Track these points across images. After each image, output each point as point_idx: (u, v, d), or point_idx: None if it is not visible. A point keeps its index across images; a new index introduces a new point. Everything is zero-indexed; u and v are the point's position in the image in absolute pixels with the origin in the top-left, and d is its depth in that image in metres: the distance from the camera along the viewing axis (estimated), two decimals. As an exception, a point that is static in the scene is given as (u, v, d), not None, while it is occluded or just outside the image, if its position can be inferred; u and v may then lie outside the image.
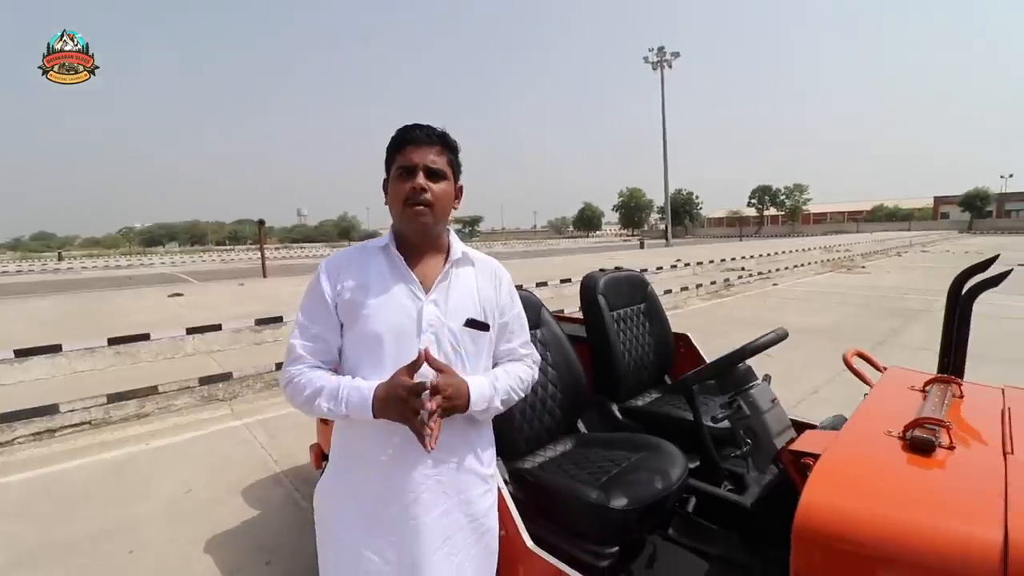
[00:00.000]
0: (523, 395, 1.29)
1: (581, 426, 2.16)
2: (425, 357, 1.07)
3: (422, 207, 1.15)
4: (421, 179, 1.15)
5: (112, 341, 5.02)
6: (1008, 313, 7.88)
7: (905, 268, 16.11)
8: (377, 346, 1.13)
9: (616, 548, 1.46)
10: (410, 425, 1.06)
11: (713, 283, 11.58)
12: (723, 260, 16.00)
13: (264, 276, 14.28)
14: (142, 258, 40.62)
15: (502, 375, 1.24)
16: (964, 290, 1.89)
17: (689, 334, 2.76)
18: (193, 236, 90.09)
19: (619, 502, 1.49)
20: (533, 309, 2.12)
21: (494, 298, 1.27)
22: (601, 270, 2.55)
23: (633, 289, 2.61)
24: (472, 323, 1.20)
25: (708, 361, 2.79)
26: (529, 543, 1.41)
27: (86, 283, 18.94)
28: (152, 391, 4.41)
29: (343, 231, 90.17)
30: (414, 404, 1.04)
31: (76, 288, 15.76)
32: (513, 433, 1.83)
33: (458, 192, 1.26)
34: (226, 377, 4.81)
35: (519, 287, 1.56)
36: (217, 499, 3.03)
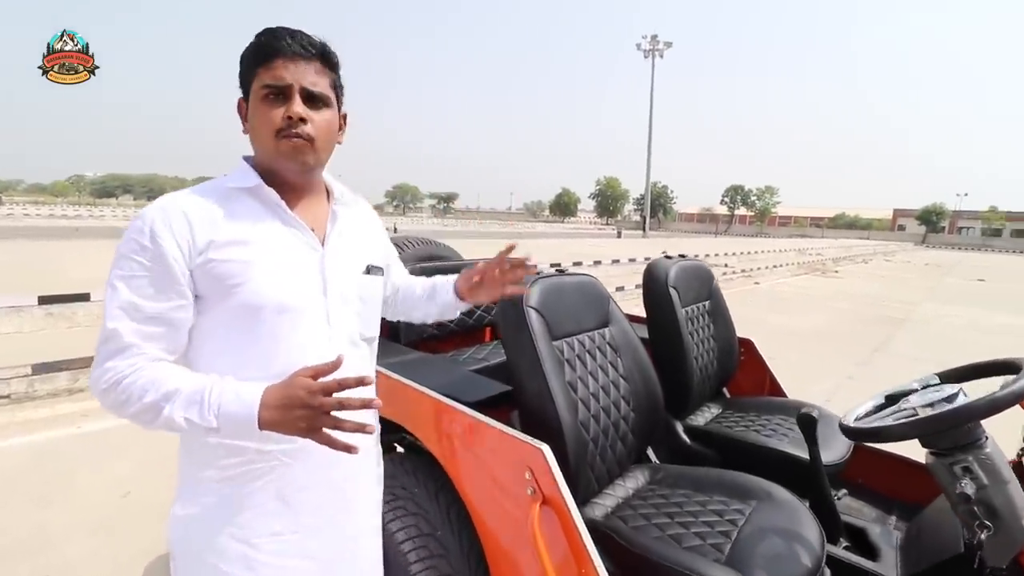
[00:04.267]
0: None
1: (650, 452, 1.71)
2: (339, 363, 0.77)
3: (302, 140, 0.88)
4: (299, 106, 0.87)
5: (43, 300, 4.27)
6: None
7: (874, 276, 16.46)
8: (267, 322, 0.86)
9: None
10: (318, 439, 0.77)
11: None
12: (707, 256, 15.89)
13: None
14: (92, 209, 37.87)
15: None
16: None
17: (753, 339, 2.34)
18: (151, 190, 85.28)
19: None
20: (601, 302, 1.64)
21: (380, 236, 1.14)
22: (667, 256, 2.08)
23: (700, 282, 2.15)
24: (373, 269, 1.05)
25: (770, 370, 2.39)
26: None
27: (25, 231, 17.35)
28: (88, 362, 3.72)
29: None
30: (326, 405, 0.75)
31: (13, 236, 14.33)
32: (586, 470, 1.36)
33: (342, 122, 0.99)
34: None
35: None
36: (161, 506, 2.46)
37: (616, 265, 12.37)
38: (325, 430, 0.76)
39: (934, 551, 1.28)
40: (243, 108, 0.93)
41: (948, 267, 22.29)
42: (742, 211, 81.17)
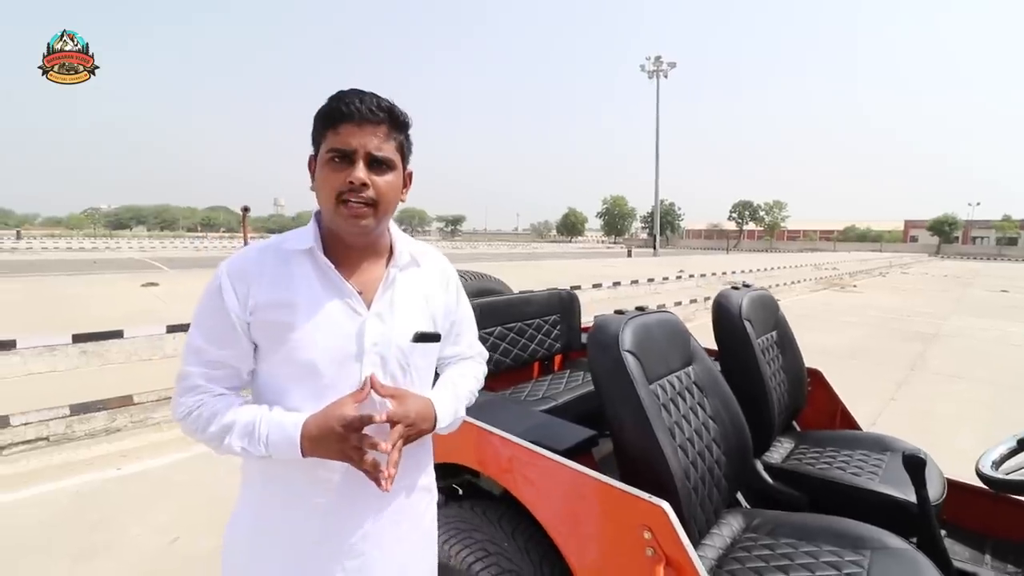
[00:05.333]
0: (477, 395, 1.16)
1: (740, 497, 1.63)
2: (372, 385, 0.92)
3: (362, 206, 0.91)
4: (361, 171, 0.90)
5: (77, 338, 4.27)
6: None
7: (895, 289, 16.19)
8: (310, 375, 0.93)
9: None
10: (355, 465, 0.89)
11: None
12: (724, 273, 15.76)
13: (246, 267, 13.31)
14: (108, 241, 38.57)
15: (458, 378, 1.11)
16: None
17: (821, 370, 2.26)
18: (163, 221, 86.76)
19: None
20: (683, 339, 1.58)
21: (443, 301, 1.09)
22: (733, 287, 2.02)
23: (768, 312, 2.09)
24: (423, 337, 1.02)
25: (843, 401, 2.31)
26: None
27: (46, 265, 17.63)
28: (126, 401, 3.70)
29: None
30: (355, 441, 0.87)
31: (35, 271, 14.56)
32: (691, 523, 1.28)
33: (407, 180, 1.01)
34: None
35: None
36: (212, 552, 2.39)
37: (637, 286, 12.28)
38: (361, 459, 0.87)
39: None
40: (312, 165, 0.96)
41: (968, 278, 21.93)
42: (751, 226, 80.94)
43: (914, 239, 74.21)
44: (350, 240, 0.97)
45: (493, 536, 1.37)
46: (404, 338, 0.99)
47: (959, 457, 1.76)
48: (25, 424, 3.38)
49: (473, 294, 2.36)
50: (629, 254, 32.48)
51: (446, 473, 1.66)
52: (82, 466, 3.23)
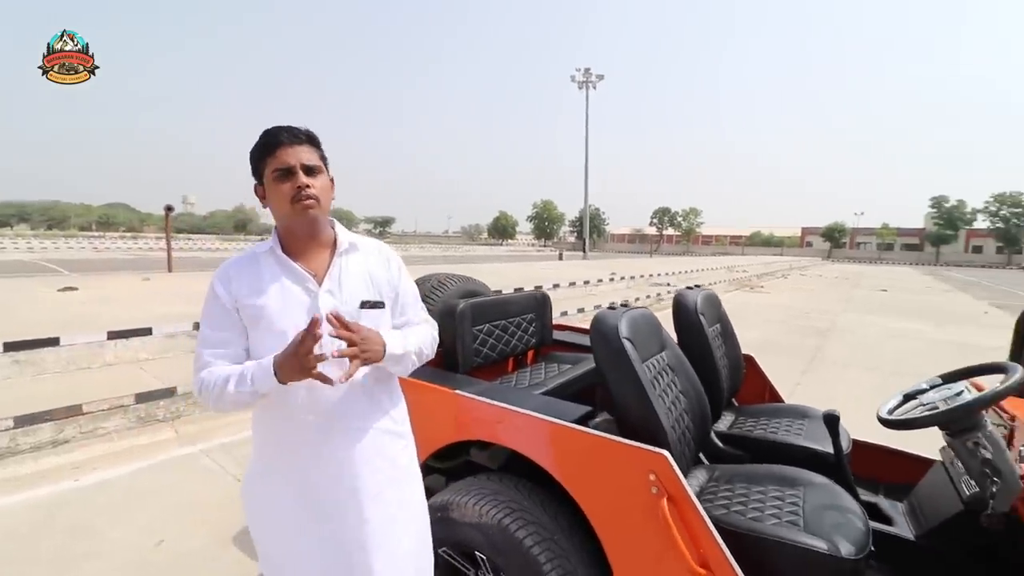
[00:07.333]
0: (431, 353, 1.43)
1: (702, 456, 2.00)
2: (328, 319, 1.14)
3: (310, 200, 1.22)
4: (303, 177, 1.22)
5: (9, 347, 3.98)
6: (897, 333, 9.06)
7: (795, 289, 18.07)
8: (283, 340, 1.18)
9: None
10: (310, 373, 1.11)
11: (648, 296, 12.08)
12: (651, 275, 16.84)
13: (170, 270, 12.47)
14: (-18, 241, 34.00)
15: (409, 332, 1.37)
16: None
17: (754, 356, 2.72)
18: (51, 219, 77.45)
19: (847, 548, 1.34)
20: (658, 330, 1.93)
21: (385, 277, 1.37)
22: (689, 287, 2.41)
23: (714, 308, 2.50)
24: (367, 304, 1.30)
25: (771, 381, 2.78)
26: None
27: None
28: (74, 412, 3.53)
29: (239, 224, 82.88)
30: (305, 350, 1.09)
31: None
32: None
33: (331, 184, 1.33)
34: (169, 393, 4.01)
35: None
36: (203, 551, 2.44)
37: (575, 287, 12.86)
38: (314, 370, 1.11)
39: (936, 513, 1.64)
40: (259, 191, 1.28)
41: (854, 279, 24.84)
42: (669, 231, 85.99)
43: (809, 244, 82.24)
44: (303, 233, 1.28)
45: (514, 498, 1.62)
46: (352, 306, 1.28)
47: (854, 427, 2.25)
48: (-38, 438, 3.16)
49: (459, 295, 2.60)
50: (560, 257, 33.51)
51: (457, 452, 1.90)
52: (34, 479, 3.08)
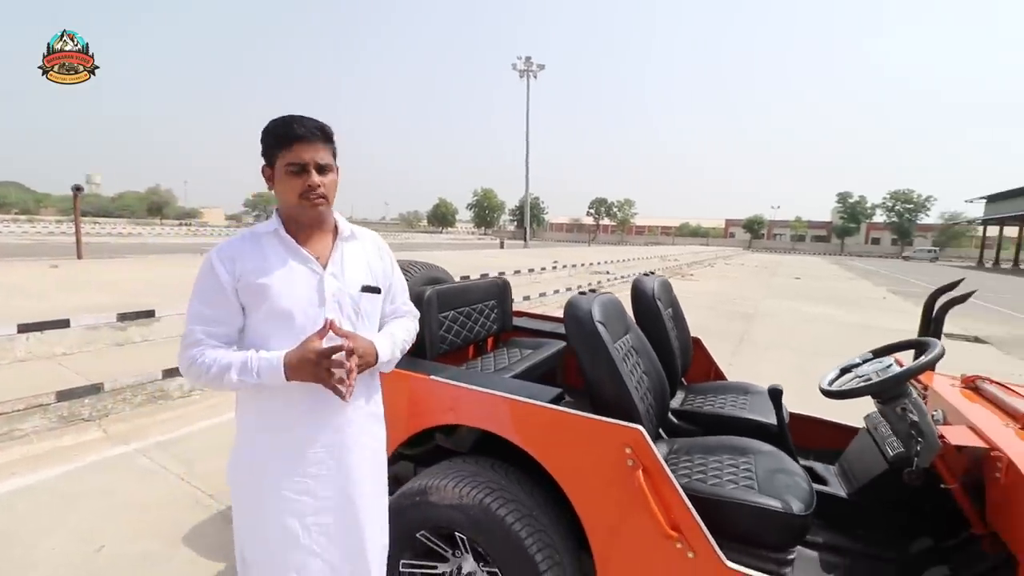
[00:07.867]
0: (410, 344, 1.50)
1: (661, 432, 2.13)
2: (331, 327, 1.23)
3: (320, 200, 1.27)
4: (316, 177, 1.25)
5: None
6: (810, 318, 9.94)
7: (721, 277, 19.28)
8: (286, 320, 1.25)
9: (795, 553, 1.47)
10: (325, 384, 1.20)
11: (589, 284, 12.46)
12: (591, 264, 17.33)
13: (80, 257, 11.30)
14: None
15: (397, 331, 1.44)
16: (937, 305, 2.26)
17: (701, 338, 2.91)
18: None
19: (797, 506, 1.50)
20: (623, 313, 2.03)
21: (380, 266, 1.44)
22: (645, 274, 2.54)
23: (668, 294, 2.66)
24: (368, 288, 1.37)
25: (716, 362, 2.99)
26: (729, 564, 1.34)
27: None
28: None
29: (153, 207, 76.20)
30: (327, 365, 1.19)
31: None
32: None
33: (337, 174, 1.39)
34: (95, 389, 3.71)
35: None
36: (152, 554, 2.31)
37: (520, 275, 13.00)
38: (332, 376, 1.19)
39: (865, 472, 1.87)
40: (267, 172, 1.29)
41: (772, 268, 26.84)
42: (605, 221, 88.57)
43: (732, 235, 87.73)
44: (308, 222, 1.31)
45: (492, 478, 1.67)
46: (354, 289, 1.34)
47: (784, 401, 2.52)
48: None
49: (424, 282, 2.59)
50: (502, 245, 33.67)
51: (426, 439, 1.91)
52: (-61, 489, 2.77)
